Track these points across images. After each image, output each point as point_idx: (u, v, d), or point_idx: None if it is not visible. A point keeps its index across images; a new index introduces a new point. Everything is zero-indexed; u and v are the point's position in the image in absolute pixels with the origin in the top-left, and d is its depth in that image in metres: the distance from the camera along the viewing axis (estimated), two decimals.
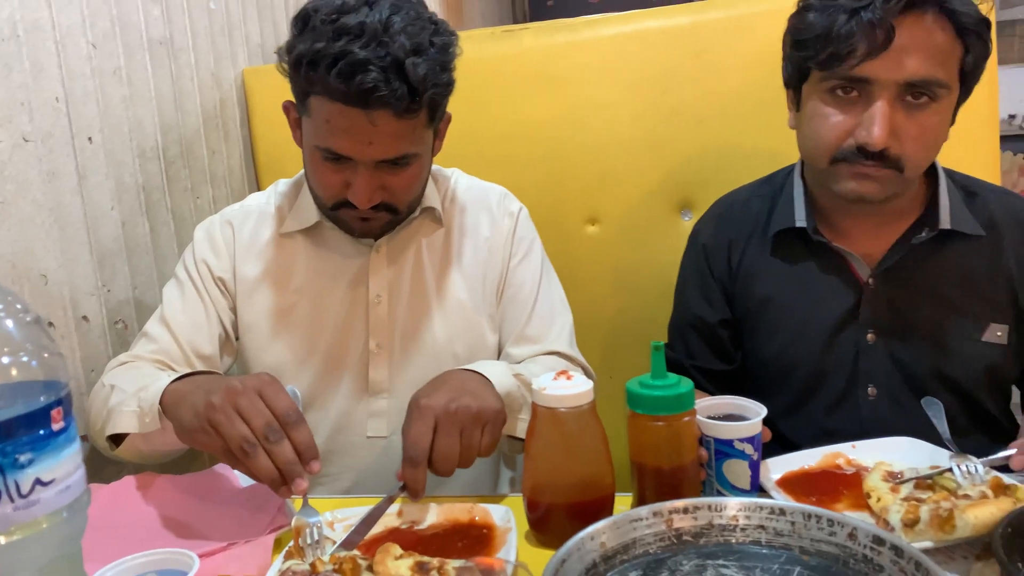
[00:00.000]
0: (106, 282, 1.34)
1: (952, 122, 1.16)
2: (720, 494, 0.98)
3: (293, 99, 1.21)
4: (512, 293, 1.35)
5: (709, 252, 1.35)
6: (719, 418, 1.00)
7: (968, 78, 1.12)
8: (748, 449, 0.97)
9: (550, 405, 0.92)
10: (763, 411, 1.00)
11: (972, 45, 1.09)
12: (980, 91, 1.20)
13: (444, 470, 0.97)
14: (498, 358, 1.34)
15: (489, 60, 1.74)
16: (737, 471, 0.97)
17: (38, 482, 0.50)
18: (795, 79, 1.20)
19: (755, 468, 0.98)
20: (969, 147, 1.56)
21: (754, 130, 1.66)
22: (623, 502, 0.97)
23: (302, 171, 1.33)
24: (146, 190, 1.46)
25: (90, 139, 1.31)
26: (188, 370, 1.18)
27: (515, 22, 5.53)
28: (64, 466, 0.52)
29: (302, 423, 0.93)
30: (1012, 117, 5.03)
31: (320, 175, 1.19)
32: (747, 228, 1.32)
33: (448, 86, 1.16)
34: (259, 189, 1.76)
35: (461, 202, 1.38)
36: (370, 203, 1.17)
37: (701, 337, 1.35)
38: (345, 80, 1.06)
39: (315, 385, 1.29)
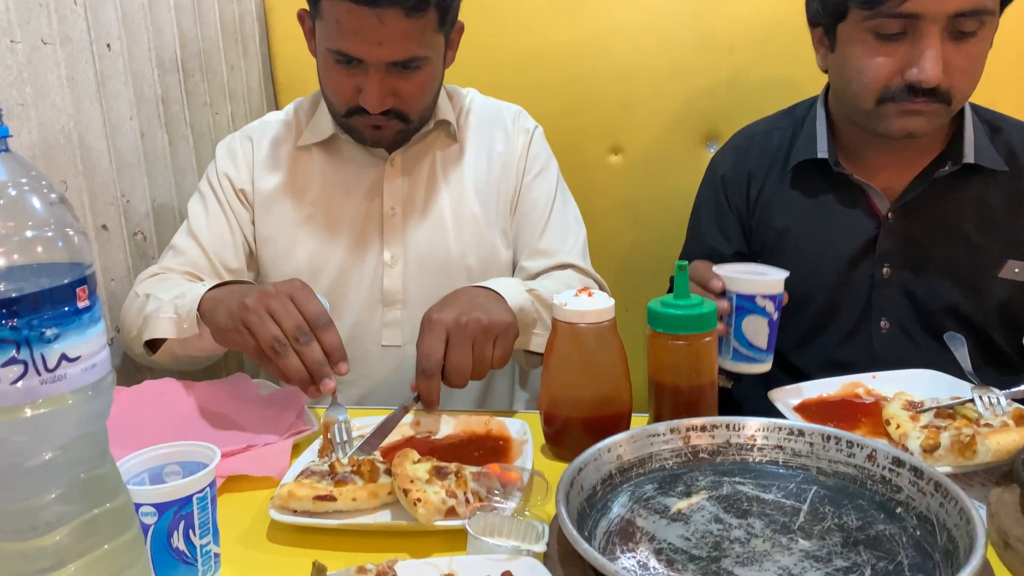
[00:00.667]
0: (125, 192, 1.33)
1: (990, 45, 1.12)
2: (736, 352, 0.98)
3: (307, 7, 1.21)
4: (527, 208, 1.35)
5: (727, 183, 1.33)
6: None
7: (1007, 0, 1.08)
8: (769, 307, 0.97)
9: (570, 320, 0.91)
10: (785, 273, 0.99)
11: None
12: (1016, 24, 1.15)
13: (457, 382, 0.98)
14: (512, 273, 1.34)
15: None
16: (756, 328, 0.98)
17: (64, 358, 0.50)
18: (829, 18, 1.15)
19: (773, 329, 0.98)
20: (1008, 84, 1.51)
21: (785, 61, 1.62)
22: (639, 422, 0.97)
23: (318, 89, 1.32)
24: (165, 102, 1.44)
25: (109, 46, 1.29)
26: (220, 280, 1.21)
27: None
28: (89, 344, 0.52)
29: (331, 326, 0.97)
30: None
31: (332, 80, 1.20)
32: (767, 160, 1.30)
33: None
34: (278, 108, 1.74)
35: (476, 118, 1.37)
36: (381, 107, 1.17)
37: None
38: None
39: (330, 294, 1.30)
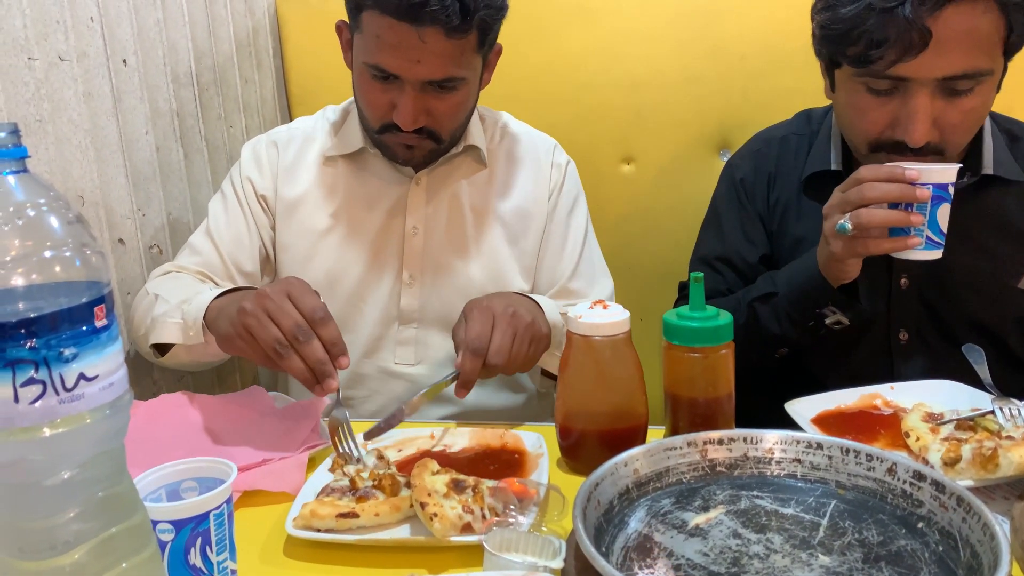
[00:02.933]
0: (141, 206, 1.34)
1: (998, 90, 1.10)
2: (929, 240, 1.00)
3: (345, 19, 1.21)
4: (556, 246, 1.35)
5: (747, 187, 1.31)
6: None
7: (1011, 52, 1.06)
8: (952, 191, 1.00)
9: (585, 333, 0.91)
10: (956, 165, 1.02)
11: (1016, 21, 1.02)
12: None
13: (495, 363, 1.01)
14: None
15: None
16: (944, 215, 1.00)
17: (82, 377, 0.50)
18: (826, 62, 1.15)
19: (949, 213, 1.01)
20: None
21: (797, 70, 1.60)
22: (655, 435, 0.96)
23: (351, 99, 1.33)
24: (180, 116, 1.45)
25: (124, 61, 1.30)
26: (229, 284, 1.23)
27: None
28: (107, 363, 0.52)
29: (328, 320, 0.97)
30: None
31: (368, 94, 1.19)
32: (785, 165, 1.29)
33: (501, 10, 1.16)
34: (291, 118, 1.75)
35: (508, 146, 1.37)
36: (414, 125, 1.17)
37: (737, 273, 1.31)
38: None
39: (346, 308, 1.30)
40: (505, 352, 1.01)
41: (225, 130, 1.60)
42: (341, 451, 0.95)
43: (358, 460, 0.92)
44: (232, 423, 1.05)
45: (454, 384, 1.01)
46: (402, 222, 1.30)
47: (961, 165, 1.02)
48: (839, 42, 1.06)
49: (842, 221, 1.01)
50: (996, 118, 1.21)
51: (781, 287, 1.16)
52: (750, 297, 1.20)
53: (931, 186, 0.98)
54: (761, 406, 1.16)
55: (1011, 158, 1.17)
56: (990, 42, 1.02)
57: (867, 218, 1.00)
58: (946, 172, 0.99)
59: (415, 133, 1.19)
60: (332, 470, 0.91)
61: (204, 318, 1.06)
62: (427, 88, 1.16)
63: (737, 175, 1.34)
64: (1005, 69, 1.09)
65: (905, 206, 0.99)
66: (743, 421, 0.95)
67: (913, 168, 0.99)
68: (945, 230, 1.00)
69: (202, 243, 1.29)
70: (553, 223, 1.35)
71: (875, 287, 1.19)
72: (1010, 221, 1.16)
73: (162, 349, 1.15)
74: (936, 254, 1.01)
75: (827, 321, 1.12)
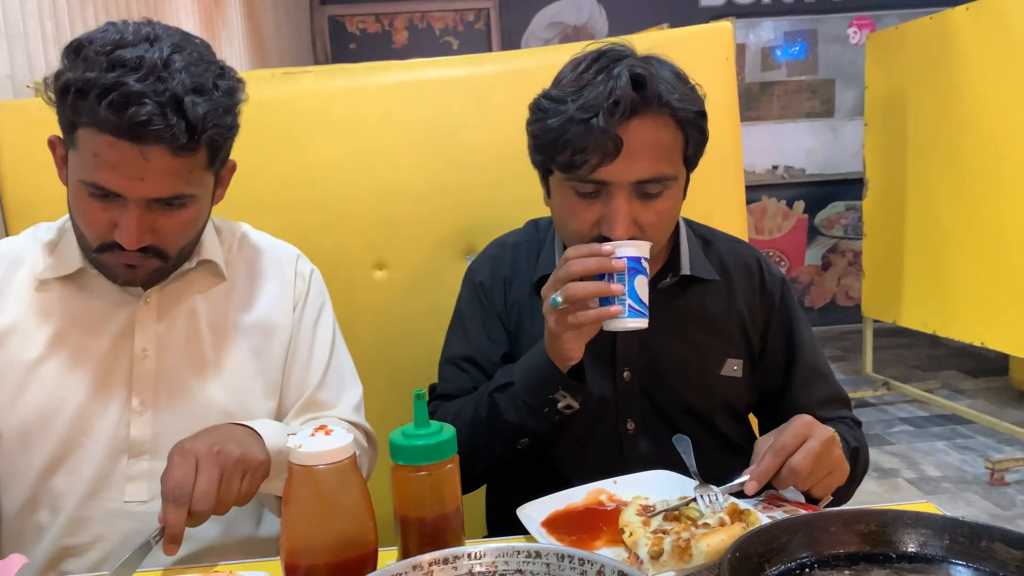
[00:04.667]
0: None
1: (684, 196, 1.28)
2: (632, 309, 1.10)
3: (59, 134, 1.13)
4: (303, 356, 1.31)
5: (487, 289, 1.39)
6: None
7: (691, 161, 1.24)
8: (647, 267, 1.11)
9: (307, 463, 0.89)
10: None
11: (691, 136, 1.20)
12: (726, 148, 1.31)
13: (200, 508, 0.96)
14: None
15: (269, 102, 1.69)
16: (642, 286, 1.11)
17: None
18: (541, 171, 1.29)
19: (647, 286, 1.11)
20: (719, 199, 1.71)
21: (532, 180, 1.72)
22: (390, 557, 0.96)
23: (66, 216, 1.24)
24: None
25: None
26: None
27: (316, 64, 5.47)
28: None
29: None
30: (775, 168, 5.61)
31: (86, 213, 1.12)
32: (519, 269, 1.38)
33: (231, 129, 1.14)
34: (7, 235, 1.60)
35: (248, 257, 1.33)
36: (139, 244, 1.11)
37: (482, 371, 1.36)
38: (117, 112, 1.01)
39: (65, 446, 1.18)
40: (211, 496, 0.96)
41: None
42: None
43: None
44: None
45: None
46: (130, 344, 1.21)
47: (651, 243, 1.15)
48: (549, 150, 1.20)
49: (554, 295, 1.12)
50: (692, 225, 1.37)
51: (517, 376, 1.23)
52: (490, 388, 1.26)
53: (626, 259, 1.11)
54: (509, 508, 1.20)
55: (705, 260, 1.32)
56: (671, 151, 1.19)
57: (573, 290, 1.10)
58: (638, 246, 1.12)
59: (139, 252, 1.13)
60: None
61: None
62: (152, 205, 1.10)
63: (477, 279, 1.41)
64: (688, 178, 1.26)
65: (608, 281, 1.11)
66: (495, 527, 0.98)
67: (609, 244, 1.12)
68: (646, 301, 1.12)
69: None
70: (299, 335, 1.32)
71: (602, 378, 1.29)
72: (709, 315, 1.31)
73: None
74: (641, 323, 1.12)
75: (559, 406, 1.19)
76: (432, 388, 1.44)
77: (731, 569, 0.82)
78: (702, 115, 1.21)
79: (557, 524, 1.04)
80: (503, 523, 1.21)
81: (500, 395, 1.23)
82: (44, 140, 1.60)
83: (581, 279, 1.11)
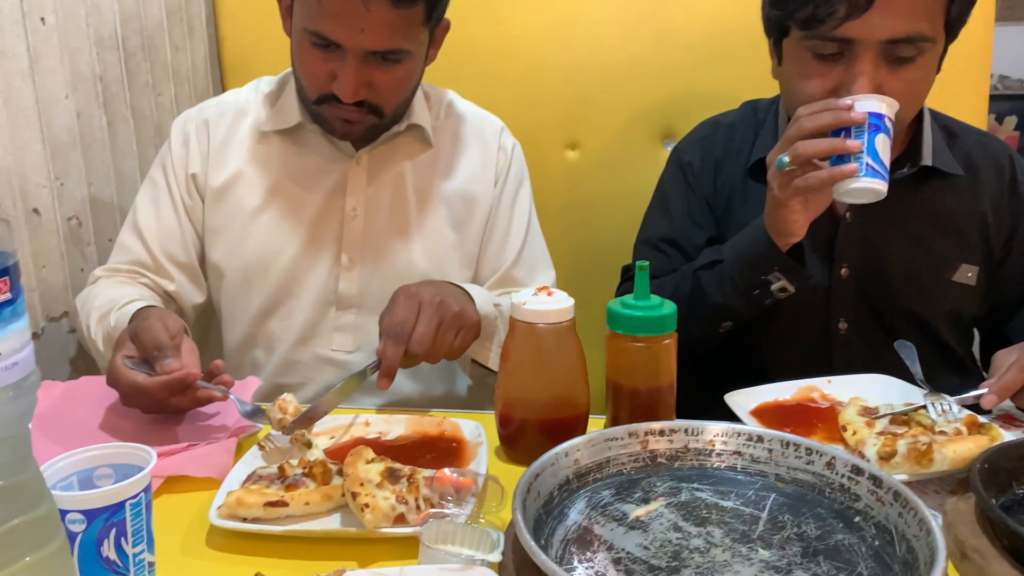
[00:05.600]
0: (59, 175, 1.26)
1: (938, 70, 1.12)
2: (869, 168, 0.97)
3: None
4: (501, 232, 1.31)
5: (695, 171, 1.30)
6: None
7: (953, 26, 1.08)
8: (891, 126, 0.99)
9: (529, 320, 0.88)
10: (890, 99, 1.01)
11: None
12: (972, 47, 1.13)
13: (416, 352, 0.99)
14: None
15: None
16: (883, 146, 0.98)
17: None
18: (775, 34, 1.15)
19: (890, 149, 0.99)
20: (958, 101, 1.53)
21: (743, 61, 1.61)
22: (596, 424, 0.95)
23: (287, 71, 1.27)
24: (103, 81, 1.37)
25: (43, 19, 1.22)
26: (162, 280, 1.22)
27: None
28: (10, 341, 0.47)
29: (168, 351, 0.95)
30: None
31: (306, 63, 1.14)
32: (731, 152, 1.29)
33: None
34: (224, 90, 1.67)
35: (454, 126, 1.32)
36: (355, 97, 1.12)
37: (683, 254, 1.29)
38: None
39: (279, 293, 1.25)
40: (428, 341, 0.98)
41: (153, 98, 1.52)
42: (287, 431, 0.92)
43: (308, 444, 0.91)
44: None
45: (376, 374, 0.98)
46: (342, 203, 1.24)
47: (897, 105, 1.01)
48: (788, 5, 1.07)
49: (781, 156, 1.02)
50: (935, 115, 1.23)
51: (727, 254, 1.15)
52: (694, 266, 1.19)
53: (866, 113, 0.98)
54: (699, 396, 1.16)
55: (949, 153, 1.19)
56: (933, 7, 1.04)
57: (803, 148, 0.99)
58: (881, 102, 0.99)
59: (355, 106, 1.14)
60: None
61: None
62: (370, 59, 1.11)
63: (684, 159, 1.33)
64: (945, 49, 1.11)
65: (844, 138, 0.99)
66: (680, 411, 0.95)
67: (847, 98, 1.00)
68: (887, 162, 0.98)
69: (130, 240, 1.23)
70: (499, 209, 1.32)
71: (816, 275, 1.19)
72: (947, 215, 1.18)
73: None
74: (879, 185, 0.98)
75: (772, 287, 1.10)
76: (625, 269, 1.39)
77: (981, 480, 0.75)
78: None
79: (766, 415, 1.00)
80: (687, 412, 1.17)
81: (705, 272, 1.16)
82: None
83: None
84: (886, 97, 1.00)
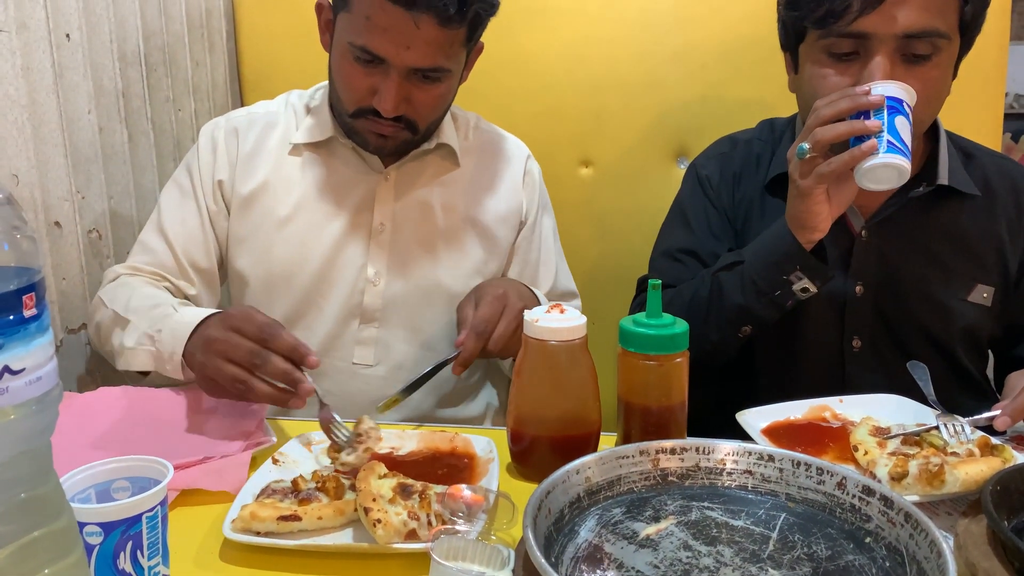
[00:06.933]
0: (80, 188, 1.28)
1: (954, 76, 1.12)
2: (890, 144, 0.97)
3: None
4: (526, 258, 1.36)
5: (713, 184, 1.30)
6: None
7: (968, 28, 1.08)
8: (910, 111, 0.99)
9: (541, 337, 0.89)
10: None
11: None
12: (986, 66, 1.13)
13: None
14: None
15: None
16: (903, 128, 0.98)
17: (7, 370, 0.47)
18: (791, 40, 1.16)
19: (910, 132, 0.99)
20: (972, 120, 1.53)
21: (758, 80, 1.62)
22: (607, 442, 0.95)
23: (318, 85, 1.30)
24: (125, 96, 1.39)
25: (68, 36, 1.24)
26: (185, 284, 1.23)
27: None
28: (35, 356, 0.49)
29: (278, 332, 0.96)
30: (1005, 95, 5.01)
31: (348, 76, 1.16)
32: (749, 168, 1.29)
33: (494, 6, 1.15)
34: (243, 105, 1.70)
35: (480, 148, 1.35)
36: (395, 112, 1.14)
37: (702, 265, 1.28)
38: None
39: (303, 304, 1.26)
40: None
41: (174, 113, 1.54)
42: (337, 438, 0.94)
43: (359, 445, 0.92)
44: (173, 417, 1.01)
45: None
46: (369, 217, 1.26)
47: (915, 93, 1.01)
48: (803, 5, 1.08)
49: (801, 144, 1.02)
50: (952, 136, 1.23)
51: (748, 255, 1.14)
52: (714, 269, 1.18)
53: (884, 96, 0.98)
54: (710, 414, 1.16)
55: (965, 173, 1.19)
56: (947, 5, 1.04)
57: (822, 134, 1.00)
58: (899, 87, 0.99)
59: (392, 121, 1.16)
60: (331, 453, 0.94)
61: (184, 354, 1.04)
62: (412, 76, 1.13)
63: (703, 173, 1.33)
64: (960, 58, 1.11)
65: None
66: (692, 430, 0.95)
67: (864, 85, 1.00)
68: (908, 144, 0.98)
69: (154, 240, 1.24)
70: (525, 236, 1.35)
71: (831, 292, 1.20)
72: (963, 234, 1.18)
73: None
74: (902, 162, 0.97)
75: (794, 288, 1.10)
76: (641, 281, 1.39)
77: (993, 502, 0.75)
78: None
79: (777, 434, 1.00)
80: (698, 430, 1.17)
81: (725, 274, 1.15)
82: (280, 14, 1.67)
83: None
84: (903, 83, 1.00)
